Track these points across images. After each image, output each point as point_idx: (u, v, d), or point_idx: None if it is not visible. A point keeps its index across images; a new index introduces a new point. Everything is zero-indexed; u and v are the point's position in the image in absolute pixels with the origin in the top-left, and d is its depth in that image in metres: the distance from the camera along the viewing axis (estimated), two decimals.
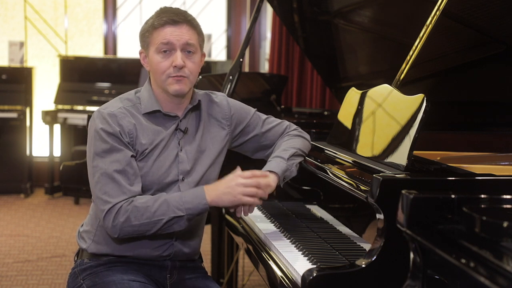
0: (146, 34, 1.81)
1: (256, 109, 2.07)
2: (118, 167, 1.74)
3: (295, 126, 2.10)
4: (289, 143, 1.99)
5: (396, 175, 1.56)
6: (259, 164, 1.95)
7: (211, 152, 1.92)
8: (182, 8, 1.98)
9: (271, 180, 1.85)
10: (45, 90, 6.25)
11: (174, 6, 1.87)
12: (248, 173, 1.76)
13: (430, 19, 1.90)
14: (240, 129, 2.00)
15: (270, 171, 1.87)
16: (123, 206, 1.71)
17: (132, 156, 1.77)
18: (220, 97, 2.00)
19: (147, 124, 1.82)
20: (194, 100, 1.89)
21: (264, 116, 2.07)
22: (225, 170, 2.00)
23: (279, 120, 2.09)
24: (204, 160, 1.89)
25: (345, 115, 2.17)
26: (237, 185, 1.73)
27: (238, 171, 1.77)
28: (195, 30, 1.82)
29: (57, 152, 5.93)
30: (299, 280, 1.53)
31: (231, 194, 1.73)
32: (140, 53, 1.87)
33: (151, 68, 1.83)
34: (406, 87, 1.91)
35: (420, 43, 1.91)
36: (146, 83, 1.89)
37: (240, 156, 2.09)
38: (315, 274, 1.45)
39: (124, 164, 1.74)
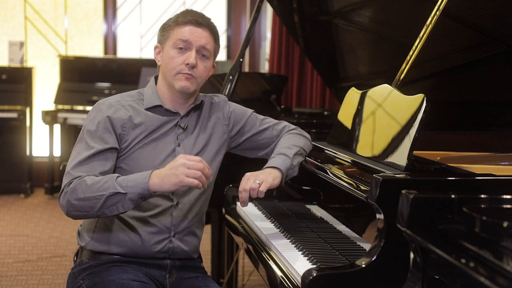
0: (167, 28, 1.86)
1: (254, 110, 2.09)
2: (91, 154, 1.75)
3: (294, 126, 2.11)
4: (292, 141, 2.00)
5: (396, 175, 1.56)
6: (263, 165, 1.95)
7: (209, 150, 1.94)
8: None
9: (275, 177, 1.86)
10: (45, 90, 6.26)
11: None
12: (194, 157, 1.70)
13: (430, 19, 1.90)
14: (237, 129, 2.02)
15: (274, 167, 1.88)
16: (75, 180, 1.71)
17: (113, 148, 1.78)
18: (220, 97, 2.04)
19: (147, 117, 1.85)
20: (197, 100, 1.92)
21: (261, 117, 2.09)
22: (230, 170, 2.01)
23: (276, 120, 2.11)
24: (201, 157, 1.90)
25: (345, 115, 2.17)
26: (180, 165, 1.66)
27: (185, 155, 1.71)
28: (214, 37, 1.88)
29: (57, 152, 5.94)
30: (299, 280, 1.53)
31: (174, 174, 1.65)
32: (155, 47, 1.91)
33: (162, 62, 1.86)
34: (406, 87, 1.91)
35: (420, 43, 1.91)
36: (151, 81, 1.92)
37: (245, 157, 2.10)
38: (315, 274, 1.45)
39: (98, 152, 1.76)
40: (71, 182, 1.72)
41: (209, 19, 1.88)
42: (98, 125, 1.79)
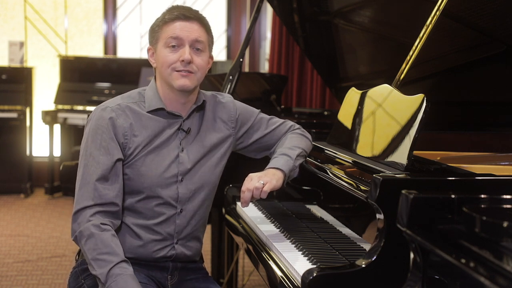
0: (156, 29, 1.81)
1: (260, 110, 2.07)
2: (100, 172, 1.74)
3: (298, 126, 2.10)
4: (294, 142, 1.99)
5: (396, 175, 1.56)
6: (263, 164, 1.95)
7: (214, 153, 1.91)
8: None
9: (278, 178, 1.85)
10: (45, 90, 6.25)
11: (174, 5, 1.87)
12: None
13: (430, 19, 1.90)
14: (244, 130, 1.99)
15: (278, 169, 1.87)
16: (92, 224, 1.70)
17: (119, 160, 1.77)
18: (226, 98, 1.99)
19: (149, 122, 1.82)
20: (199, 100, 1.88)
21: (268, 117, 2.06)
22: (230, 170, 2.00)
23: (282, 120, 2.09)
24: (206, 162, 1.89)
25: (345, 115, 2.17)
26: None
27: None
28: (205, 28, 1.82)
29: (57, 152, 5.93)
30: (299, 280, 1.53)
31: None
32: (148, 50, 1.86)
33: (157, 63, 1.82)
34: (406, 87, 1.91)
35: (420, 43, 1.91)
36: (151, 82, 1.88)
37: (245, 157, 2.09)
38: (315, 274, 1.45)
39: (106, 168, 1.75)
40: (91, 218, 1.71)
41: (196, 11, 1.82)
42: (102, 136, 1.76)
